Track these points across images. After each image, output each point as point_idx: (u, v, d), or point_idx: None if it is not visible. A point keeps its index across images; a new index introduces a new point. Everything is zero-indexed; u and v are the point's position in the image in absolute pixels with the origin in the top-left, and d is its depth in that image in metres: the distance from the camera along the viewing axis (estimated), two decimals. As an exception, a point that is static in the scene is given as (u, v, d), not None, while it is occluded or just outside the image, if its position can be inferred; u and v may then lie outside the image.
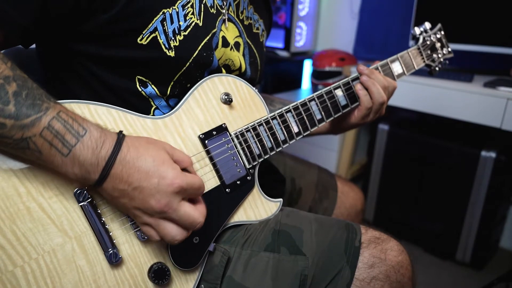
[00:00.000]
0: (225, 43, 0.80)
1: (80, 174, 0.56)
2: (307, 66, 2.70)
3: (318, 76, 2.31)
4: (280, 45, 2.44)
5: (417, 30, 1.05)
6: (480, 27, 1.81)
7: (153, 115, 0.75)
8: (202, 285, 0.73)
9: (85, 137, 0.56)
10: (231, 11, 0.82)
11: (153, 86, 0.73)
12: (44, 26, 0.64)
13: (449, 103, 1.70)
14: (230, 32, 0.82)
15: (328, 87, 0.88)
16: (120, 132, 0.60)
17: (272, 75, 2.70)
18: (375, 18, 2.36)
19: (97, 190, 0.60)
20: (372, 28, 2.38)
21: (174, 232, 0.60)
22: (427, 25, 1.07)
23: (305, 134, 0.85)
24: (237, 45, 0.84)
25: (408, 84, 1.77)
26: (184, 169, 0.63)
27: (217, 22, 0.78)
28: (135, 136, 0.62)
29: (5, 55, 0.57)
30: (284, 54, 2.45)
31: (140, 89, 0.72)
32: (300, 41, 2.48)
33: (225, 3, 0.80)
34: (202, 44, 0.74)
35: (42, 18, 0.62)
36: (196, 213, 0.61)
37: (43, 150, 0.55)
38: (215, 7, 0.78)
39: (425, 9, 1.93)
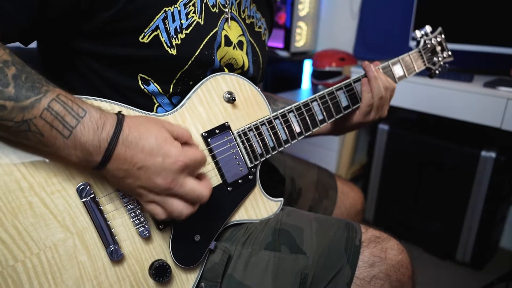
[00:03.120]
0: (228, 42, 0.80)
1: (83, 156, 0.56)
2: (307, 66, 2.70)
3: (318, 76, 2.31)
4: (280, 45, 2.45)
5: (418, 33, 1.06)
6: (480, 27, 1.81)
7: (156, 112, 0.75)
8: (202, 283, 0.72)
9: (85, 118, 0.56)
10: (233, 10, 0.83)
11: (155, 84, 0.73)
12: (44, 24, 0.64)
13: (449, 103, 1.70)
14: (233, 31, 0.82)
15: (330, 88, 0.89)
16: (119, 112, 0.60)
17: (272, 75, 2.71)
18: (375, 18, 2.36)
19: (101, 172, 0.60)
20: (372, 28, 2.38)
21: (180, 207, 0.61)
22: (428, 28, 1.08)
23: (306, 134, 0.85)
24: (240, 43, 0.84)
25: (408, 84, 1.78)
26: (184, 143, 0.63)
27: (219, 21, 0.78)
28: (133, 116, 0.63)
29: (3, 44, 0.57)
30: (284, 54, 2.45)
31: (142, 87, 0.73)
32: (300, 41, 2.49)
33: (227, 2, 0.80)
34: (204, 42, 0.74)
35: (41, 17, 0.62)
36: (201, 187, 0.62)
37: (45, 132, 0.55)
38: (217, 6, 0.78)
39: (425, 9, 1.93)
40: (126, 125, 0.58)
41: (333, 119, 0.89)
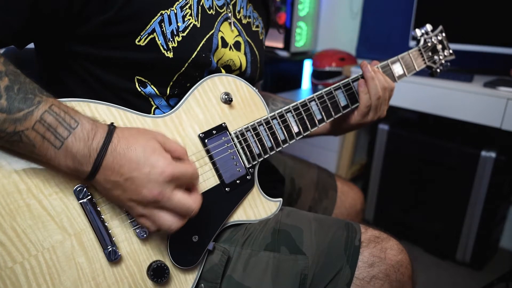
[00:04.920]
0: (224, 44, 0.80)
1: (73, 166, 0.56)
2: (307, 66, 2.70)
3: (318, 76, 2.31)
4: (280, 45, 2.44)
5: (418, 32, 1.05)
6: (480, 27, 1.81)
7: (154, 114, 0.75)
8: (202, 284, 0.72)
9: (77, 129, 0.56)
10: (228, 11, 0.82)
11: (152, 86, 0.73)
12: (37, 28, 0.64)
13: (449, 103, 1.70)
14: (229, 32, 0.82)
15: (328, 88, 0.89)
16: (111, 124, 0.60)
17: (272, 75, 2.71)
18: (377, 17, 2.36)
19: (91, 183, 0.60)
20: (375, 28, 2.38)
21: (169, 221, 0.60)
22: (428, 27, 1.07)
23: (305, 134, 0.85)
24: (237, 44, 0.84)
25: (408, 84, 1.77)
26: (178, 159, 0.62)
27: (216, 23, 0.78)
28: (126, 127, 0.63)
29: None
30: (284, 54, 2.45)
31: (139, 89, 0.73)
32: (300, 41, 2.49)
33: (224, 4, 0.80)
34: (201, 45, 0.74)
35: (34, 20, 0.62)
36: (190, 200, 0.60)
37: (36, 143, 0.55)
38: (213, 8, 0.78)
39: (425, 8, 1.93)
40: (116, 136, 0.58)
41: (332, 118, 0.89)
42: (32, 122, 0.54)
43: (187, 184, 0.62)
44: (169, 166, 0.58)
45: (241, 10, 0.87)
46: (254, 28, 0.91)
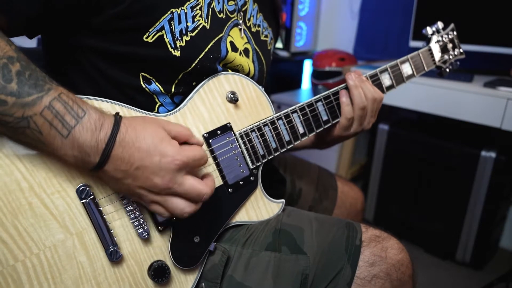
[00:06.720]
0: (234, 48, 0.79)
1: (80, 156, 0.56)
2: (307, 66, 2.71)
3: (318, 76, 2.31)
4: (280, 45, 2.45)
5: (429, 30, 1.01)
6: (480, 27, 1.81)
7: (158, 112, 0.75)
8: (203, 284, 0.73)
9: (84, 118, 0.56)
10: (239, 18, 0.82)
11: (157, 83, 0.73)
12: (50, 18, 0.64)
13: (449, 103, 1.70)
14: (239, 38, 0.82)
15: (336, 88, 0.87)
16: (117, 113, 0.60)
17: (272, 75, 2.70)
18: (375, 18, 2.36)
19: (97, 175, 0.60)
20: (372, 28, 2.38)
21: (182, 205, 0.61)
22: (440, 24, 1.03)
23: (310, 135, 0.84)
24: (246, 51, 0.83)
25: (408, 84, 1.74)
26: (184, 142, 0.63)
27: (226, 27, 0.78)
28: (131, 116, 0.63)
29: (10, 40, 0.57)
30: (284, 54, 2.45)
31: (144, 86, 0.72)
32: (300, 41, 2.49)
33: (235, 10, 0.80)
34: (209, 47, 0.74)
35: (48, 10, 0.62)
36: (201, 184, 0.62)
37: (43, 130, 0.55)
38: (224, 13, 0.78)
39: (425, 9, 1.93)
40: (123, 125, 0.58)
41: (338, 119, 0.88)
42: (41, 107, 0.54)
43: (197, 167, 0.64)
44: (178, 154, 0.59)
45: (251, 18, 0.87)
46: (263, 38, 0.91)
